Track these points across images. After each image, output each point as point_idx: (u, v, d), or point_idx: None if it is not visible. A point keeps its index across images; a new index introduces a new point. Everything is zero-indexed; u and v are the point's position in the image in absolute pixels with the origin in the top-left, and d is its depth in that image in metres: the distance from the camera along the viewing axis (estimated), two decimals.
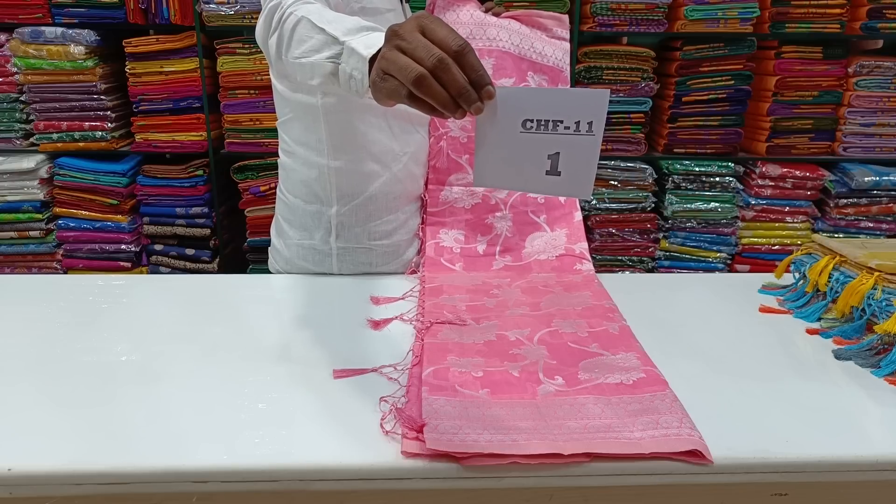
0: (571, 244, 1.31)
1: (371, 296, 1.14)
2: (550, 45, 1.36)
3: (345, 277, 1.27)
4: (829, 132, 2.56)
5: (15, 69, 2.41)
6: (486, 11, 1.35)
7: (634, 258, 2.68)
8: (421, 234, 1.33)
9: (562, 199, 1.36)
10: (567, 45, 1.37)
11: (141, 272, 2.62)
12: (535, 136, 0.72)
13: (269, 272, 1.35)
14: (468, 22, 1.31)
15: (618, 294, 1.16)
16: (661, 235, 2.66)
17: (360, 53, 0.76)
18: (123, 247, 2.58)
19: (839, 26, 2.41)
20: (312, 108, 1.18)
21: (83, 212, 2.56)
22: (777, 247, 2.64)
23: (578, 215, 1.35)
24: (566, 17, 1.38)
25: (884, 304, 0.97)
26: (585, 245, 1.32)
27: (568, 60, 1.37)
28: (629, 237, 2.64)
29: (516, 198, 1.34)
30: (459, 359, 0.90)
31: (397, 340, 0.99)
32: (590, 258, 1.29)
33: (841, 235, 2.57)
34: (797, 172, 2.54)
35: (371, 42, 0.76)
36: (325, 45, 0.83)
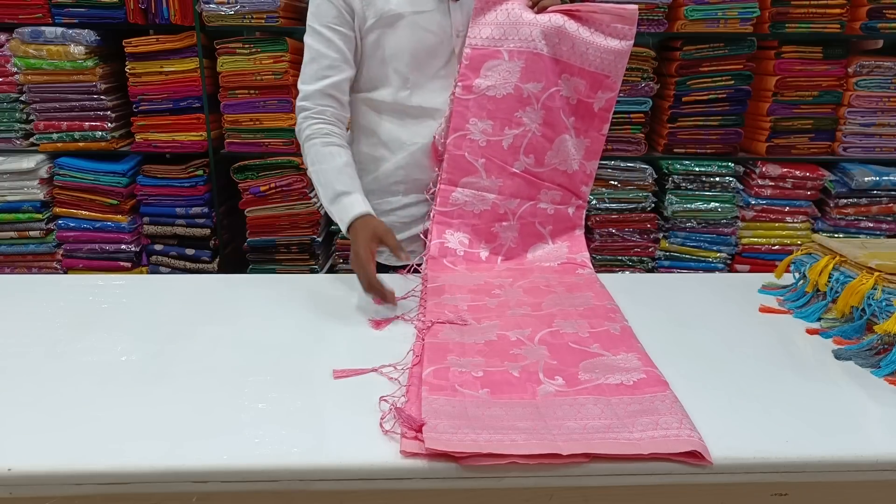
0: (573, 254, 1.31)
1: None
2: (596, 48, 1.26)
3: (346, 276, 1.27)
4: (829, 132, 2.56)
5: (15, 69, 2.41)
6: (534, 5, 1.30)
7: (634, 258, 2.68)
8: (428, 230, 1.33)
9: (570, 211, 1.35)
10: (624, 46, 1.26)
11: (141, 272, 2.62)
12: None
13: (271, 272, 1.36)
14: (503, 22, 1.29)
15: (618, 294, 1.16)
16: (661, 235, 2.66)
17: (339, 223, 1.25)
18: (123, 247, 2.58)
19: (839, 26, 2.41)
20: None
21: (83, 212, 2.56)
22: (777, 247, 2.64)
23: (580, 231, 1.35)
24: (634, 13, 1.25)
25: (884, 304, 0.97)
26: (587, 255, 1.31)
27: (622, 63, 1.27)
28: (629, 237, 2.64)
29: (526, 209, 1.33)
30: (460, 358, 0.91)
31: (398, 340, 0.99)
32: (591, 266, 1.29)
33: (841, 235, 2.57)
34: (797, 172, 2.54)
35: (343, 216, 1.23)
36: (322, 197, 1.29)
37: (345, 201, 1.23)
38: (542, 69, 1.28)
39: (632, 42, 1.26)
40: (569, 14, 1.27)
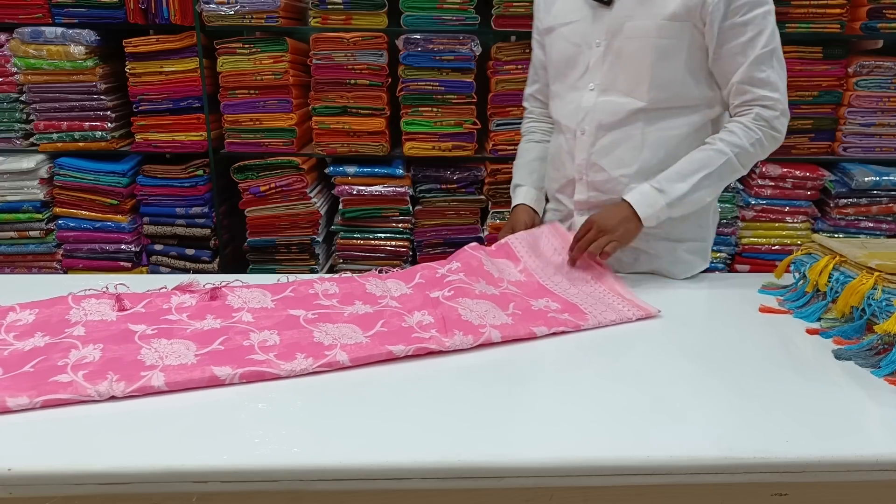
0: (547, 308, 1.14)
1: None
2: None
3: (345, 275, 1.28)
4: (829, 132, 2.56)
5: (15, 69, 2.40)
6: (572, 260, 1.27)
7: None
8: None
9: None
10: (624, 317, 1.10)
11: (141, 272, 2.62)
12: None
13: (271, 272, 1.36)
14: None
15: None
16: None
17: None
18: (123, 247, 2.58)
19: (839, 26, 2.41)
20: None
21: (83, 212, 2.56)
22: (777, 247, 2.64)
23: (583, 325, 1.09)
24: (652, 313, 1.12)
25: (884, 304, 0.97)
26: (543, 328, 1.06)
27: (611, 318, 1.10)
28: None
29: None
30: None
31: None
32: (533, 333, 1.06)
33: (841, 235, 2.57)
34: (797, 172, 2.54)
35: (513, 203, 1.50)
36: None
37: (516, 191, 1.50)
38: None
39: (632, 319, 1.11)
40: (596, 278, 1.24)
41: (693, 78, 1.25)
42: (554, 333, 1.04)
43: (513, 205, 1.50)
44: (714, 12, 1.18)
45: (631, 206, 1.23)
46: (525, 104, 1.57)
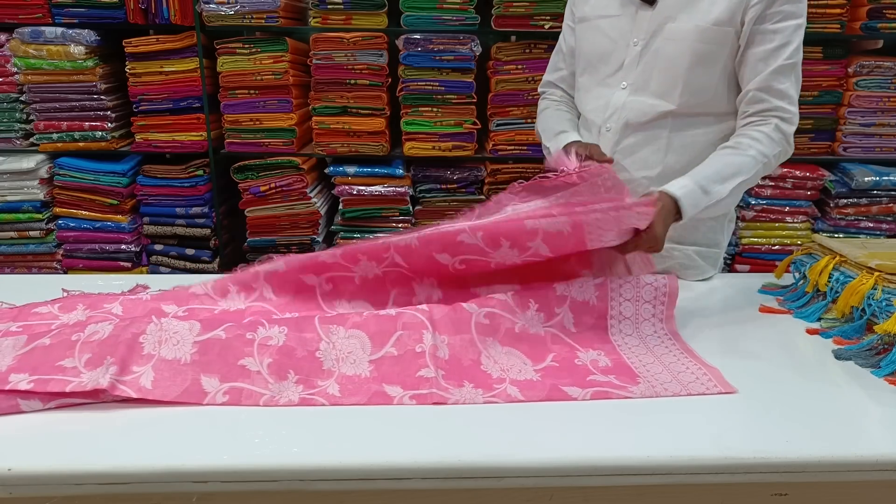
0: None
1: None
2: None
3: None
4: (829, 132, 2.56)
5: (15, 69, 2.40)
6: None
7: None
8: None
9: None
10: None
11: (141, 272, 2.62)
12: None
13: None
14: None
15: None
16: None
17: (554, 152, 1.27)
18: (123, 247, 2.58)
19: (839, 26, 2.41)
20: None
21: (83, 212, 2.56)
22: (777, 247, 2.64)
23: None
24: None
25: (884, 304, 0.97)
26: (576, 390, 0.90)
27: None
28: None
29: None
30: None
31: None
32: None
33: (841, 235, 2.57)
34: (797, 172, 2.54)
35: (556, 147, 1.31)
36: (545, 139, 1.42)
37: (560, 137, 1.35)
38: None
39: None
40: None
41: (728, 86, 1.23)
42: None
43: (567, 142, 1.29)
44: (751, 14, 1.17)
45: (677, 204, 1.12)
46: (541, 89, 1.50)
